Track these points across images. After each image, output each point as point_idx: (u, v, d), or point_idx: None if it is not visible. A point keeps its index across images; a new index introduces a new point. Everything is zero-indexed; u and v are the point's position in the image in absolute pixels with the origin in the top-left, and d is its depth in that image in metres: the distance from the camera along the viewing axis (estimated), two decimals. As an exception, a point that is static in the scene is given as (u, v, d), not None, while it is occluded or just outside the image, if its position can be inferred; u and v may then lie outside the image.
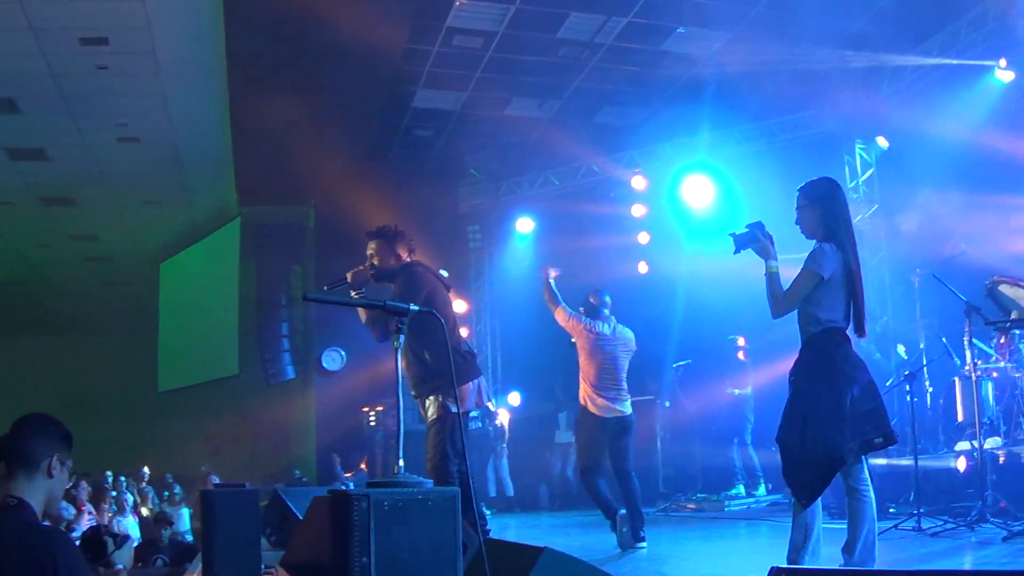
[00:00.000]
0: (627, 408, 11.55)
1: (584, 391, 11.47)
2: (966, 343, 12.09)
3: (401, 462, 5.47)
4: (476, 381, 9.18)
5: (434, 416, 9.01)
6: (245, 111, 19.21)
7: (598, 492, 11.29)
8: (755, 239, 7.21)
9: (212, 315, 26.85)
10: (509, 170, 23.13)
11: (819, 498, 6.88)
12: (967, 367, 11.66)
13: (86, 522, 15.21)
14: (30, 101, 18.63)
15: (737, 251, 7.34)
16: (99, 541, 5.85)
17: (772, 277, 7.21)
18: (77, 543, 4.89)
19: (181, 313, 28.69)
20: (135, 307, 31.52)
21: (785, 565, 5.88)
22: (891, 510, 11.59)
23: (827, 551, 6.99)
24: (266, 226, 25.08)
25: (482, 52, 18.28)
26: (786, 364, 17.35)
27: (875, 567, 6.80)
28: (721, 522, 15.08)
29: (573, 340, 11.73)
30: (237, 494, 7.31)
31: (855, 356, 7.02)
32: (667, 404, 19.52)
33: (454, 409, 8.78)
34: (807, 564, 6.74)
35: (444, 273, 10.03)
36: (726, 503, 16.72)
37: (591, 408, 11.39)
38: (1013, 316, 11.21)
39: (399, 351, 5.66)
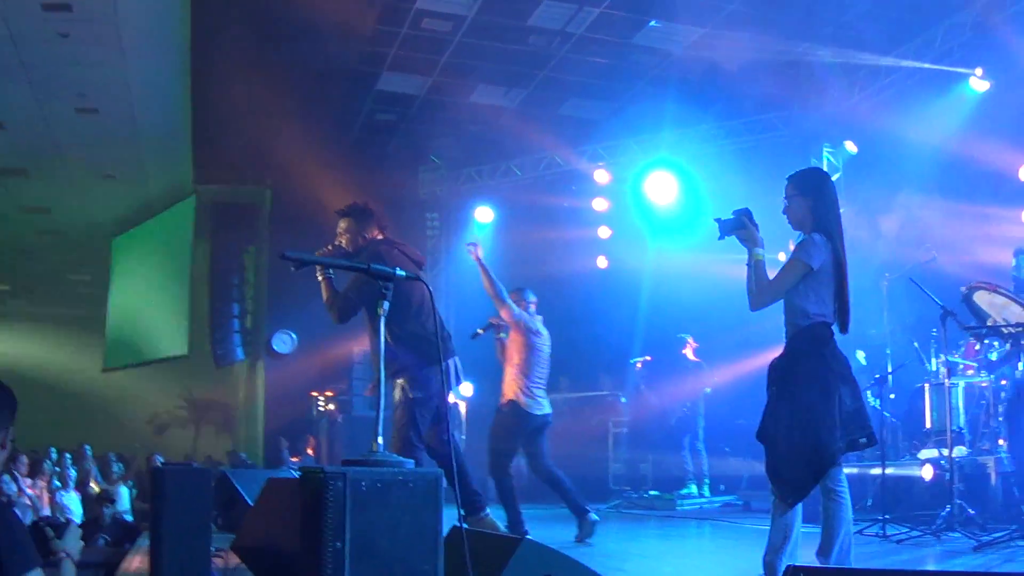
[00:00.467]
0: (549, 408, 11.32)
1: (518, 385, 11.06)
2: (932, 351, 11.95)
3: (380, 439, 5.03)
4: (447, 364, 8.93)
5: (397, 400, 8.80)
6: (207, 87, 19.00)
7: (511, 492, 10.95)
8: (741, 225, 6.93)
9: (163, 294, 26.50)
10: (470, 158, 22.84)
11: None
12: (941, 374, 11.53)
13: (27, 498, 14.91)
14: (-15, 66, 18.19)
15: (722, 237, 7.05)
16: (40, 535, 5.47)
17: (758, 265, 6.93)
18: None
19: (132, 291, 28.29)
20: (85, 283, 31.13)
21: (798, 564, 5.66)
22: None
23: (802, 554, 6.78)
24: (222, 205, 24.82)
25: (451, 36, 18.04)
26: (737, 366, 17.28)
27: None
28: (675, 521, 14.88)
29: (501, 335, 11.44)
30: (189, 473, 7.04)
31: (841, 353, 6.77)
32: (623, 400, 19.36)
33: (413, 395, 8.62)
34: (784, 566, 6.53)
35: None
36: (678, 502, 16.52)
37: (522, 402, 11.00)
38: (989, 323, 11.01)
39: (382, 319, 5.28)
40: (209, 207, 24.94)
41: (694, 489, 17.11)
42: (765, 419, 6.83)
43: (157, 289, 26.86)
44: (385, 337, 8.68)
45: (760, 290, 6.93)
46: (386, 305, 5.27)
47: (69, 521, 5.80)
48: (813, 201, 6.89)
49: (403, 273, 5.36)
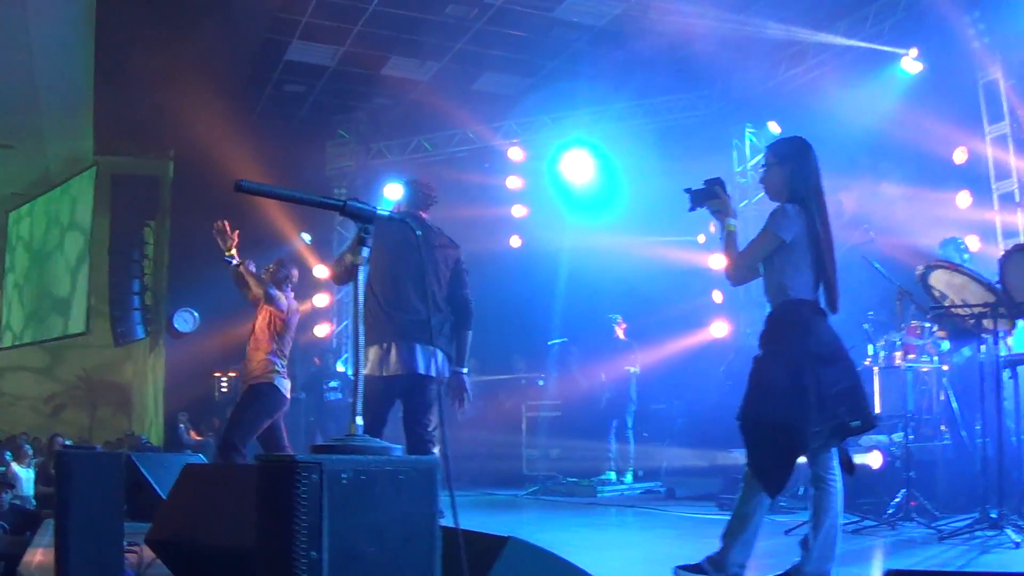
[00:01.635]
0: None
1: (274, 366, 10.41)
2: (868, 333, 11.61)
3: (359, 419, 4.13)
4: (387, 344, 8.27)
5: None
6: (111, 52, 18.24)
7: None
8: (713, 195, 6.57)
9: (60, 269, 25.72)
10: (380, 133, 22.38)
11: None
12: (892, 357, 11.16)
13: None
14: None
15: (693, 208, 6.69)
16: None
17: (730, 236, 6.55)
18: None
19: (28, 266, 27.45)
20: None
21: (896, 568, 5.19)
22: (781, 504, 11.09)
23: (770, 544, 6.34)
24: (122, 177, 24.02)
25: (365, 5, 17.38)
26: (668, 346, 16.93)
27: (832, 564, 6.14)
28: (598, 509, 14.39)
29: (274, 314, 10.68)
30: (99, 457, 6.40)
31: (827, 331, 6.37)
32: (540, 383, 18.95)
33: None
34: (736, 554, 6.19)
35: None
36: (598, 488, 16.05)
37: (283, 388, 10.45)
38: (947, 303, 10.61)
39: (361, 268, 4.35)
40: (109, 179, 24.12)
41: (613, 476, 16.72)
42: (743, 401, 6.40)
43: (54, 265, 26.08)
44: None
45: (732, 263, 6.58)
46: (365, 252, 4.37)
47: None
48: (790, 170, 6.48)
49: (386, 213, 4.55)
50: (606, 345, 17.28)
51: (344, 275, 8.52)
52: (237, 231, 10.40)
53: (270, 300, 10.39)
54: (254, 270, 10.60)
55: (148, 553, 6.44)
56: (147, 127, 21.51)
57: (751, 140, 18.51)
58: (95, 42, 18.20)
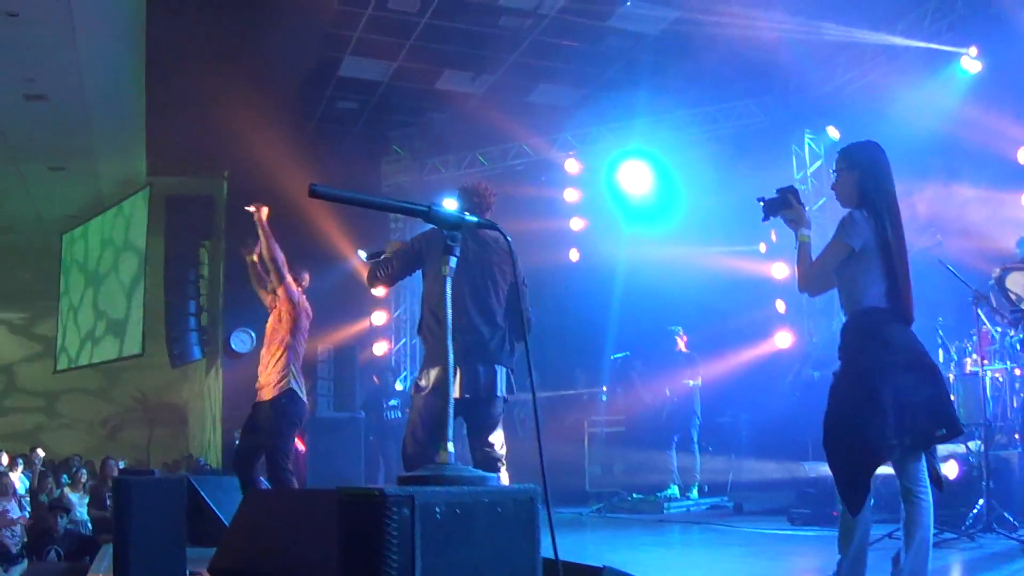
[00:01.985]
0: None
1: (293, 372, 9.99)
2: (939, 340, 11.34)
3: (451, 446, 3.82)
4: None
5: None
6: (162, 73, 18.22)
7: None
8: (787, 204, 6.41)
9: (116, 291, 25.66)
10: (435, 148, 22.17)
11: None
12: (974, 361, 10.89)
13: None
14: (-71, 48, 17.17)
15: (766, 218, 6.56)
16: None
17: (804, 247, 6.36)
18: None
19: (83, 288, 27.42)
20: (35, 280, 30.16)
21: None
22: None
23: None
24: (176, 197, 23.96)
25: (417, 18, 17.23)
26: (731, 358, 16.65)
27: None
28: (665, 526, 14.15)
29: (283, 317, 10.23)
30: (159, 482, 6.21)
31: (905, 338, 6.15)
32: (603, 398, 18.70)
33: (423, 383, 7.81)
34: (846, 571, 6.00)
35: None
36: (664, 505, 15.77)
37: (301, 392, 10.06)
38: (1024, 306, 10.36)
39: (448, 280, 4.14)
40: (163, 200, 24.05)
41: (676, 491, 16.42)
42: (824, 416, 6.23)
43: (109, 286, 26.03)
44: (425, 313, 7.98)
45: (804, 274, 6.39)
46: (452, 261, 4.12)
47: (16, 555, 4.74)
48: (860, 174, 6.26)
49: (474, 218, 4.30)
50: (668, 358, 16.99)
51: (383, 279, 8.13)
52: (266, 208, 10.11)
53: (281, 280, 10.01)
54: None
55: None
56: (200, 147, 21.42)
57: (810, 146, 18.23)
58: (146, 61, 18.19)
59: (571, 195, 20.78)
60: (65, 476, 19.13)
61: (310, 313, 10.33)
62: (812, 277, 6.38)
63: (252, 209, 9.92)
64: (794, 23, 15.97)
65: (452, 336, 7.93)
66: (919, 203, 14.62)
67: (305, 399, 10.15)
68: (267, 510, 5.85)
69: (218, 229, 23.69)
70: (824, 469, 8.12)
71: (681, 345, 16.99)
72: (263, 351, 10.28)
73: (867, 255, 6.12)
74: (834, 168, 6.51)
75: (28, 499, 16.39)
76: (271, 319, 10.29)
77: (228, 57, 17.09)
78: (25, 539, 14.78)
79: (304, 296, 10.33)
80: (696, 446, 16.61)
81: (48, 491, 17.53)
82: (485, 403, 7.96)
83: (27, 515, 15.65)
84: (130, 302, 24.89)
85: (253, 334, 22.22)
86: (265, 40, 17.02)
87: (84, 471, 18.42)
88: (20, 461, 18.68)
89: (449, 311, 4.09)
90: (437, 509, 3.22)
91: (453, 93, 20.46)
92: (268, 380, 10.03)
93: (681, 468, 16.55)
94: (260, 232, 9.89)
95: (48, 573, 9.39)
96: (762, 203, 6.52)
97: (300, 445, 20.62)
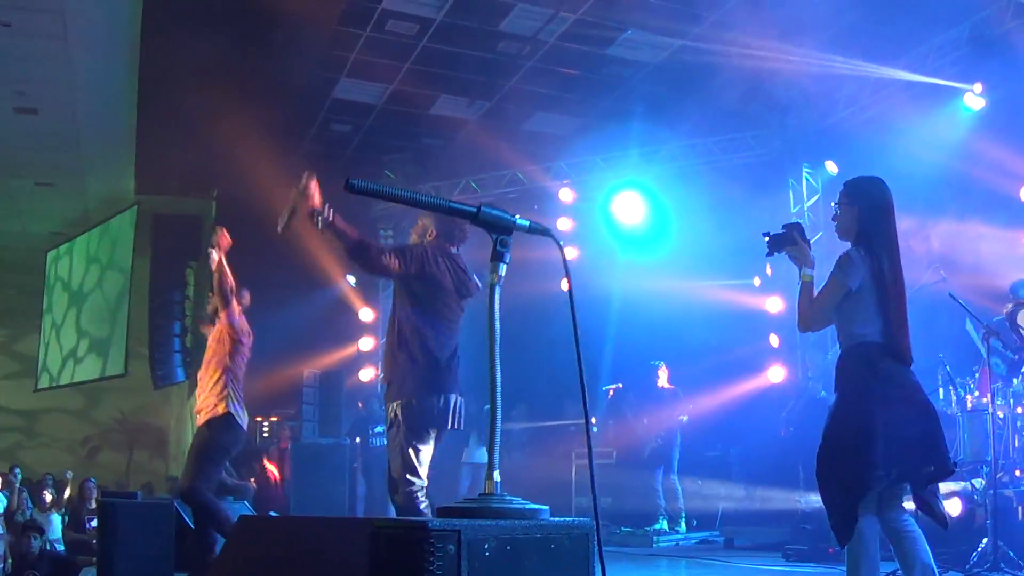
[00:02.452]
0: None
1: (232, 395, 9.64)
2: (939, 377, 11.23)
3: (497, 475, 3.39)
4: (445, 397, 7.64)
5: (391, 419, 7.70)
6: (154, 89, 18.02)
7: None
8: (792, 241, 6.49)
9: (99, 310, 25.43)
10: (428, 174, 21.94)
11: (854, 537, 6.02)
12: (975, 399, 10.78)
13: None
14: (-84, 57, 16.94)
15: (770, 254, 6.67)
16: None
17: (806, 287, 6.44)
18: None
19: (67, 306, 27.18)
20: (17, 297, 29.89)
21: None
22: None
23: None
24: (164, 216, 23.81)
25: (415, 40, 17.08)
26: (723, 391, 16.54)
27: None
28: (656, 559, 14.01)
29: (218, 337, 9.99)
30: (147, 507, 6.00)
31: (898, 374, 6.18)
32: (594, 429, 18.49)
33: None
34: None
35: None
36: (653, 539, 15.62)
37: (239, 417, 9.66)
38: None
39: (496, 288, 3.85)
40: (150, 219, 23.87)
41: (665, 525, 16.32)
42: (818, 449, 6.30)
43: (93, 305, 25.80)
44: (403, 329, 7.69)
45: (804, 313, 6.46)
46: (502, 268, 3.92)
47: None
48: (860, 209, 6.37)
49: (526, 223, 4.03)
50: (650, 392, 16.93)
51: (390, 262, 7.73)
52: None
53: (226, 305, 9.84)
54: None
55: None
56: (190, 166, 21.23)
57: (808, 180, 18.14)
58: (139, 79, 18.01)
59: (564, 224, 20.58)
60: (29, 499, 18.85)
61: (251, 333, 10.07)
62: (812, 316, 6.42)
63: (216, 234, 10.08)
64: (796, 55, 15.85)
65: (449, 363, 7.71)
66: (934, 238, 14.53)
67: (244, 425, 9.82)
68: (263, 538, 5.59)
69: (205, 250, 23.46)
70: (819, 503, 8.02)
71: (663, 379, 16.95)
72: (200, 373, 10.01)
73: (863, 293, 6.19)
74: (836, 201, 6.52)
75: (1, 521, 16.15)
76: (210, 340, 10.08)
77: (222, 76, 16.89)
78: (9, 560, 14.54)
79: (244, 317, 10.08)
80: (676, 479, 16.62)
81: (23, 511, 17.29)
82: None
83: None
84: (114, 322, 24.66)
85: (238, 358, 22.07)
86: (260, 60, 16.94)
87: (51, 490, 18.12)
88: (-4, 480, 18.42)
89: (496, 327, 3.79)
90: (486, 545, 2.86)
91: (448, 119, 20.34)
92: (205, 403, 9.72)
93: (667, 499, 16.46)
94: (214, 256, 9.92)
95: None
96: (767, 238, 6.57)
97: (274, 470, 20.54)
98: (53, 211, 25.39)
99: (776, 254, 6.57)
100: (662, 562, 13.82)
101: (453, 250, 8.04)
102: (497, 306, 3.79)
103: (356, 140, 21.57)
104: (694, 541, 16.07)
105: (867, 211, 6.31)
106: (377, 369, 22.15)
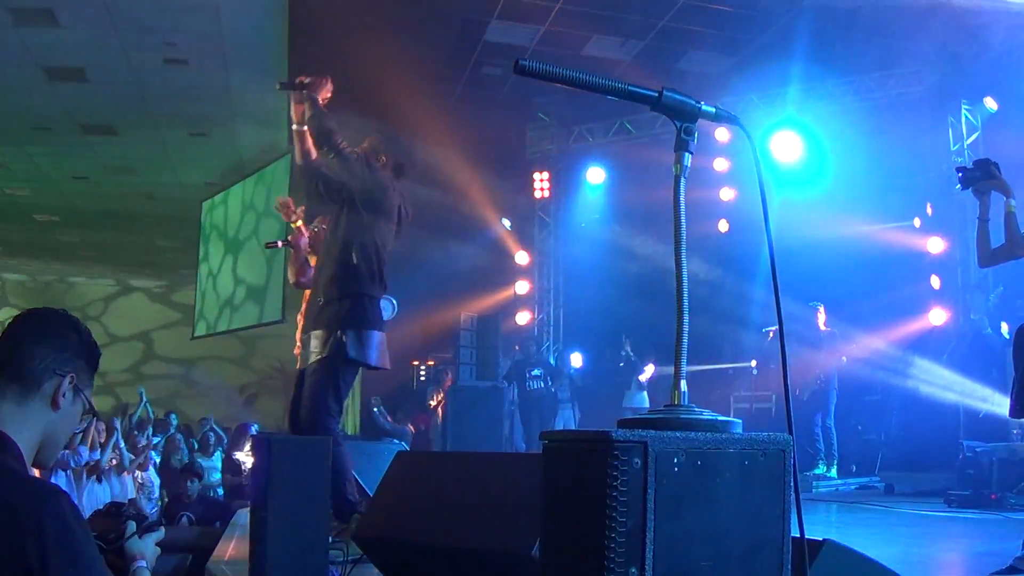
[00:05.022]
0: None
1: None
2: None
3: (684, 385, 2.90)
4: (382, 334, 7.47)
5: (322, 354, 7.28)
6: (306, 36, 17.98)
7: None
8: (991, 175, 6.13)
9: (256, 258, 25.60)
10: (581, 115, 21.81)
11: None
12: None
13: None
14: (70, 12, 16.95)
15: (965, 188, 6.41)
16: (116, 521, 4.11)
17: (1011, 216, 6.30)
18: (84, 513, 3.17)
19: (223, 254, 27.42)
20: (174, 248, 30.27)
21: None
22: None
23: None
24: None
25: (568, -21, 16.80)
26: (869, 337, 16.12)
27: None
28: (818, 506, 13.56)
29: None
30: (304, 443, 5.86)
31: None
32: (754, 372, 18.28)
33: (352, 355, 7.19)
34: None
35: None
36: (813, 484, 15.39)
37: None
38: None
39: (682, 180, 3.33)
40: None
41: (824, 469, 16.04)
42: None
43: (249, 253, 25.98)
44: (350, 257, 7.40)
45: (1013, 243, 6.31)
46: (687, 159, 3.35)
47: (159, 522, 4.35)
48: None
49: (711, 109, 3.38)
50: (808, 334, 16.57)
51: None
52: (303, 207, 9.50)
53: None
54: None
55: (353, 549, 5.90)
56: (343, 112, 21.19)
57: (967, 117, 17.63)
58: (289, 25, 17.98)
59: (721, 164, 20.37)
60: (194, 441, 19.10)
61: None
62: (1021, 242, 6.23)
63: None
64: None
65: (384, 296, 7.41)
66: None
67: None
68: (417, 475, 5.49)
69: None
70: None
71: (821, 322, 16.59)
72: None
73: None
74: None
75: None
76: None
77: (373, 23, 16.85)
78: (162, 502, 14.72)
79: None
80: (832, 424, 16.43)
81: (180, 456, 17.51)
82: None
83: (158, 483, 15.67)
84: (270, 269, 24.80)
85: (395, 301, 22.03)
86: (413, 5, 16.80)
87: (212, 434, 18.35)
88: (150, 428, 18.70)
89: (683, 220, 3.27)
90: (676, 459, 2.52)
91: (601, 59, 19.98)
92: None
93: (827, 445, 16.20)
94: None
95: (180, 539, 9.05)
96: (960, 173, 6.53)
97: (436, 412, 20.64)
98: (207, 161, 25.65)
99: (969, 188, 6.48)
100: (822, 506, 13.51)
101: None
102: (683, 199, 3.34)
103: (509, 82, 21.37)
104: (853, 487, 15.82)
105: None
106: (532, 313, 22.09)
